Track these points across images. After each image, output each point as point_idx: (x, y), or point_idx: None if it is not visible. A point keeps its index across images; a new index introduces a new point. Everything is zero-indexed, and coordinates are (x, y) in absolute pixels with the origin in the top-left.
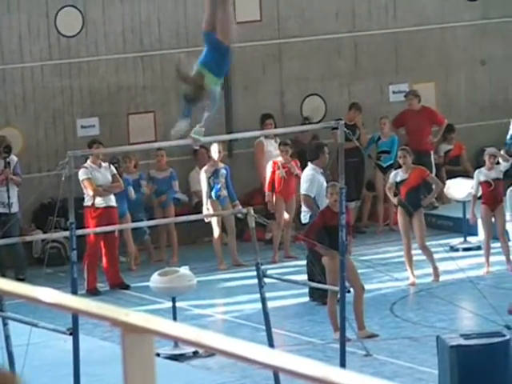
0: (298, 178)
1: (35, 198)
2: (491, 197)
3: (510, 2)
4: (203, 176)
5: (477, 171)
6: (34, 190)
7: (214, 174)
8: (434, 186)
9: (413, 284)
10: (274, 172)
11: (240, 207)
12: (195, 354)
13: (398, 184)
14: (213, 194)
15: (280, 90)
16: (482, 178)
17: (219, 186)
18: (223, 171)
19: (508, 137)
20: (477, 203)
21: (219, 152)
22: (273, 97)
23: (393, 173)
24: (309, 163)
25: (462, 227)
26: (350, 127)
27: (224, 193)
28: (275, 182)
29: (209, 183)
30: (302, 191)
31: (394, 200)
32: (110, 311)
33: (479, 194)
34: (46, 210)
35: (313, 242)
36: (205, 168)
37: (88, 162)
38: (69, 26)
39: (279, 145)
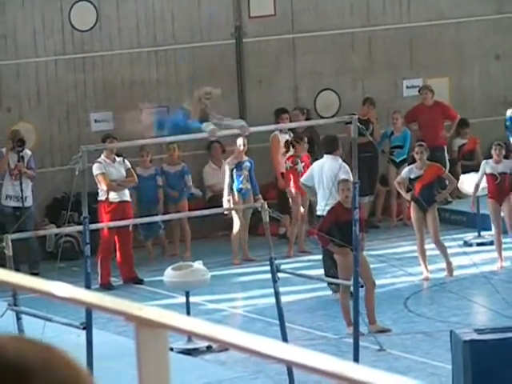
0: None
1: (48, 192)
2: (497, 190)
3: None
4: (226, 168)
5: (483, 161)
6: (48, 185)
7: (237, 167)
8: (447, 183)
9: (426, 279)
10: (291, 166)
11: (262, 201)
12: (209, 348)
13: (412, 180)
14: (235, 186)
15: (294, 84)
16: (488, 170)
17: (242, 178)
18: (247, 164)
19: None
20: (482, 197)
21: (244, 145)
22: (287, 91)
23: (406, 168)
24: (327, 155)
25: (476, 222)
26: (363, 122)
27: (247, 185)
28: (292, 176)
29: (231, 175)
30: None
31: (407, 195)
32: (123, 305)
33: (483, 185)
34: (60, 204)
35: (325, 237)
36: (228, 160)
37: (102, 156)
38: (83, 20)
39: (293, 138)
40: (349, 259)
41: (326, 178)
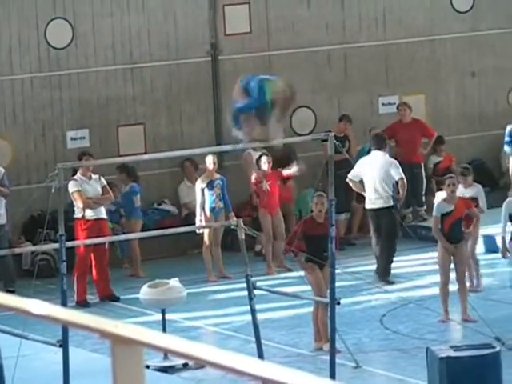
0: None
1: (25, 210)
2: None
3: (498, 14)
4: (198, 187)
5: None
6: (24, 202)
7: (209, 185)
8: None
9: (445, 321)
10: (256, 184)
11: (235, 218)
12: (185, 365)
13: (443, 216)
14: (207, 205)
15: None
16: None
17: (214, 197)
18: (219, 182)
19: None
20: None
21: (214, 163)
22: None
23: (435, 206)
24: (377, 151)
25: None
26: (339, 139)
27: (219, 204)
28: (259, 194)
29: (203, 194)
30: (399, 175)
31: (447, 243)
32: (99, 323)
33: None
34: (36, 222)
35: (294, 251)
36: (200, 179)
37: (78, 174)
38: (59, 38)
39: (260, 156)
40: (315, 275)
41: (376, 172)
